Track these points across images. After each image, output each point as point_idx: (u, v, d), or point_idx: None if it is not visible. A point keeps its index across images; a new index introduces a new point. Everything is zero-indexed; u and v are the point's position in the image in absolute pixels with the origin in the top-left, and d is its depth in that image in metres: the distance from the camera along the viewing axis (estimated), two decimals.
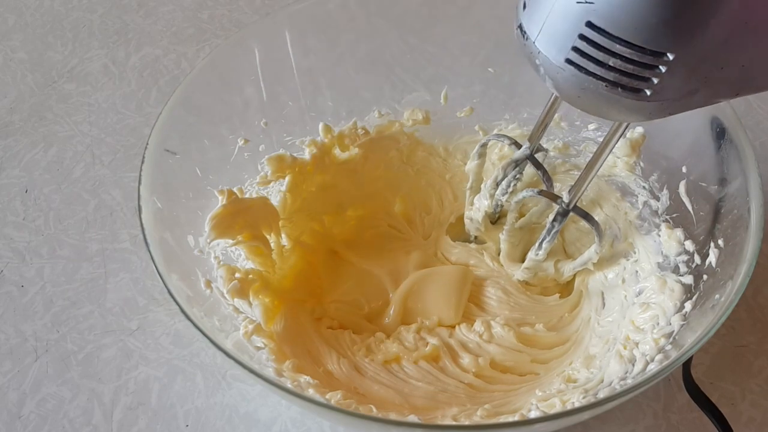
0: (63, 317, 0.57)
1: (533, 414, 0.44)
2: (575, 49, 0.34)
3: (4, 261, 0.61)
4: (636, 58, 0.33)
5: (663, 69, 0.33)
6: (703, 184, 0.49)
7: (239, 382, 0.53)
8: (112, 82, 0.75)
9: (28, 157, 0.68)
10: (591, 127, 0.58)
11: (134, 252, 0.61)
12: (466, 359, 0.51)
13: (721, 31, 0.32)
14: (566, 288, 0.57)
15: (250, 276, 0.50)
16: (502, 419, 0.45)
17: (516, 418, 0.45)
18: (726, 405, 0.50)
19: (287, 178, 0.55)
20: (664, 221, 0.52)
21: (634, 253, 0.53)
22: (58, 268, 0.60)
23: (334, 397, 0.44)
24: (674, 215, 0.51)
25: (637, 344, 0.47)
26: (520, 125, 0.60)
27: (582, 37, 0.34)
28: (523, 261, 0.55)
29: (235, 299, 0.48)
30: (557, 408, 0.44)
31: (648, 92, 0.34)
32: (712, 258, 0.46)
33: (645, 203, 0.54)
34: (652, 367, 0.43)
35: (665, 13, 0.31)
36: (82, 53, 0.78)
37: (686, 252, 0.49)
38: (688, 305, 0.46)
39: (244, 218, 0.50)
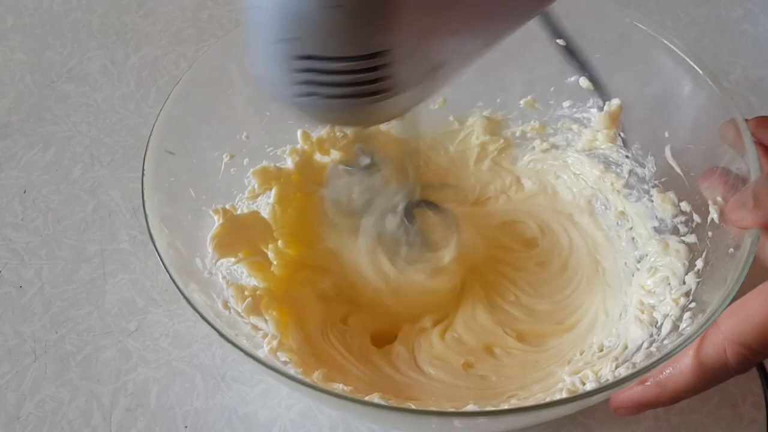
0: (62, 318, 0.57)
1: (584, 386, 0.44)
2: (301, 83, 0.33)
3: (3, 262, 0.61)
4: (360, 67, 0.32)
5: (389, 63, 0.33)
6: (690, 146, 0.49)
7: (239, 383, 0.53)
8: (111, 82, 0.74)
9: (27, 158, 0.68)
10: (565, 104, 0.58)
11: (133, 253, 0.61)
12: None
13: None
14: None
15: (258, 292, 0.50)
16: (555, 397, 0.44)
17: (565, 394, 0.44)
18: None
19: (274, 190, 0.55)
20: (653, 186, 0.53)
21: (627, 221, 0.54)
22: (57, 269, 0.60)
23: (374, 400, 0.43)
24: (663, 179, 0.52)
25: (653, 307, 0.47)
26: (494, 111, 0.61)
27: (299, 70, 0.33)
28: None
29: (251, 317, 0.48)
30: (591, 379, 0.44)
31: (390, 88, 0.34)
32: (714, 214, 0.46)
33: (631, 171, 0.55)
34: (685, 326, 0.43)
35: (361, 18, 0.31)
36: (81, 53, 0.77)
37: (683, 213, 0.50)
38: (699, 262, 0.46)
39: (241, 235, 0.50)
